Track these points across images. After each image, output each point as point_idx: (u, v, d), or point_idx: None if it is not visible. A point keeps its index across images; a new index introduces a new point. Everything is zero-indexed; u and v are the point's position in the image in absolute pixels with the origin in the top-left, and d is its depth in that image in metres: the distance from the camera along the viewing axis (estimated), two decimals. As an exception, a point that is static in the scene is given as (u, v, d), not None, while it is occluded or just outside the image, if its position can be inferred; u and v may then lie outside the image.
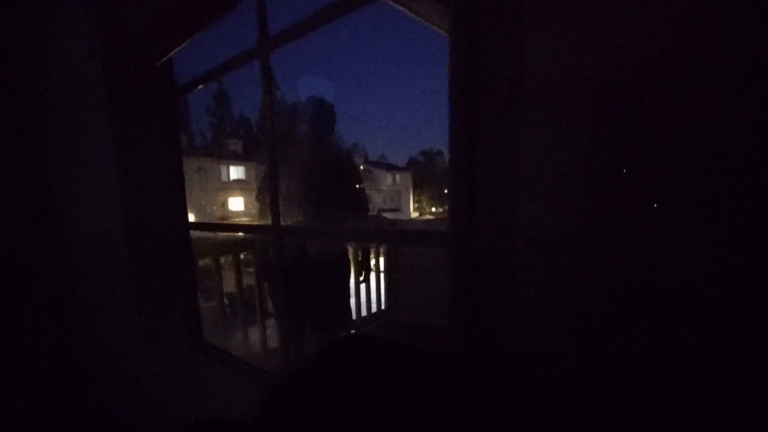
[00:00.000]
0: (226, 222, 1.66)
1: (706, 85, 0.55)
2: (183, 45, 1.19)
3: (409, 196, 19.27)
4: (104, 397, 1.81)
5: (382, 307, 2.77)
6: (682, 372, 0.61)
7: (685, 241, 0.58)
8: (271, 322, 2.32)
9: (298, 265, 1.71)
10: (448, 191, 0.79)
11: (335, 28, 0.95)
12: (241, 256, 2.65)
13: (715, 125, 0.55)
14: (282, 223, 1.13)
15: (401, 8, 1.12)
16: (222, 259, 2.54)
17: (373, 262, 2.61)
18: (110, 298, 1.61)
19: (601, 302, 0.68)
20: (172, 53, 1.25)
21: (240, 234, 1.95)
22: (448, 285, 0.77)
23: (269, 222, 1.13)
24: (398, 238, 1.19)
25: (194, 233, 1.50)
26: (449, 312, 0.77)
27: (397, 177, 19.29)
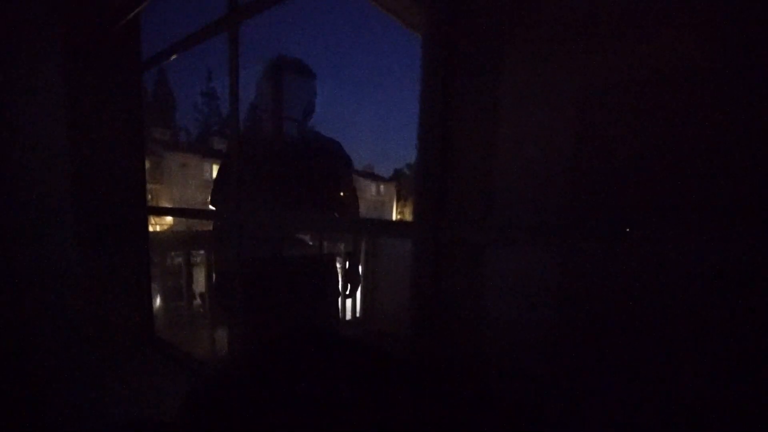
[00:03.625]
0: (187, 209, 1.50)
1: (683, 97, 0.54)
2: (144, 5, 1.11)
3: (392, 206, 19.29)
4: (39, 389, 1.66)
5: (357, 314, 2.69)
6: (659, 367, 0.58)
7: (658, 238, 0.56)
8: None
9: (265, 270, 1.35)
10: (415, 178, 0.73)
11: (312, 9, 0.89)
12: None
13: (689, 131, 0.55)
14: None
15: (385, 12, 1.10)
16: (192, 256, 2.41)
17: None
18: (50, 281, 1.47)
19: (576, 295, 0.65)
20: (134, 12, 1.16)
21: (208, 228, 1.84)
22: (411, 277, 0.70)
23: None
24: (364, 227, 1.15)
25: (164, 228, 1.40)
26: (412, 304, 0.71)
27: (382, 188, 19.33)
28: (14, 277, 1.59)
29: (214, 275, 1.94)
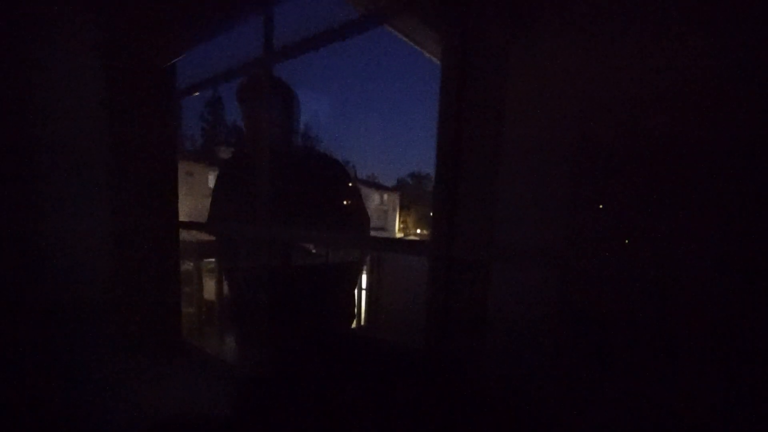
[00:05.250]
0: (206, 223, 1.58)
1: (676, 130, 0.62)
2: (189, 50, 1.25)
3: (395, 216, 19.35)
4: (76, 394, 1.76)
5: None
6: (655, 371, 0.66)
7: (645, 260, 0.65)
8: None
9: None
10: (432, 201, 0.85)
11: (338, 48, 1.02)
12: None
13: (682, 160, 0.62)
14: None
15: (401, 36, 1.20)
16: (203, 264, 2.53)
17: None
18: (87, 294, 1.59)
19: (574, 306, 0.74)
20: (177, 59, 1.31)
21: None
22: (426, 288, 0.82)
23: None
24: (382, 246, 1.24)
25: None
26: (427, 312, 0.82)
27: (385, 197, 19.40)
28: (46, 275, 1.70)
29: (228, 285, 1.96)
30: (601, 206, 0.72)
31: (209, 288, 2.60)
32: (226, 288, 1.92)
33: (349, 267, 1.61)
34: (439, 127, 0.83)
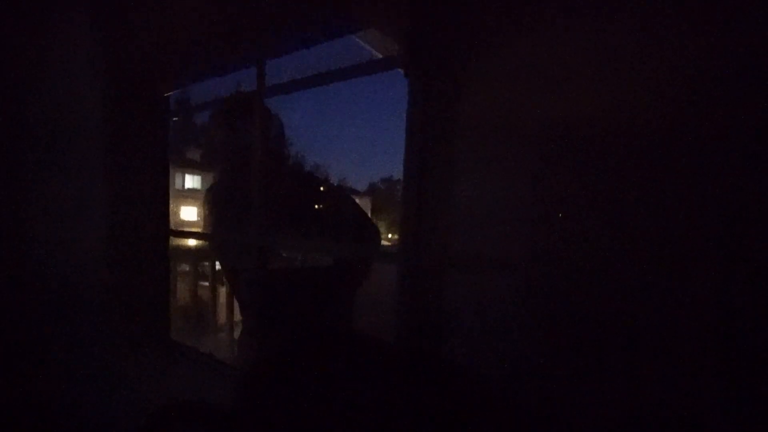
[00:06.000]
0: (193, 231, 1.68)
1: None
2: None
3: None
4: (71, 393, 1.83)
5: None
6: (618, 374, 0.72)
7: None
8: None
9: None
10: (401, 219, 1.03)
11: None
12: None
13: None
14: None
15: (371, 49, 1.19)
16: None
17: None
18: (81, 297, 1.68)
19: (524, 313, 0.86)
20: (176, 92, 1.45)
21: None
22: (398, 292, 0.99)
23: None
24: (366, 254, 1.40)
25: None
26: (399, 314, 1.00)
27: (357, 201, 19.45)
28: (45, 279, 1.77)
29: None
30: (560, 215, 0.80)
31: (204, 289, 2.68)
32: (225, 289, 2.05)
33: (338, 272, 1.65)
34: (406, 139, 0.97)
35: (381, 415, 0.86)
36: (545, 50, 0.78)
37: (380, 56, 1.12)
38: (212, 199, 1.61)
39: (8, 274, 1.84)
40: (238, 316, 2.35)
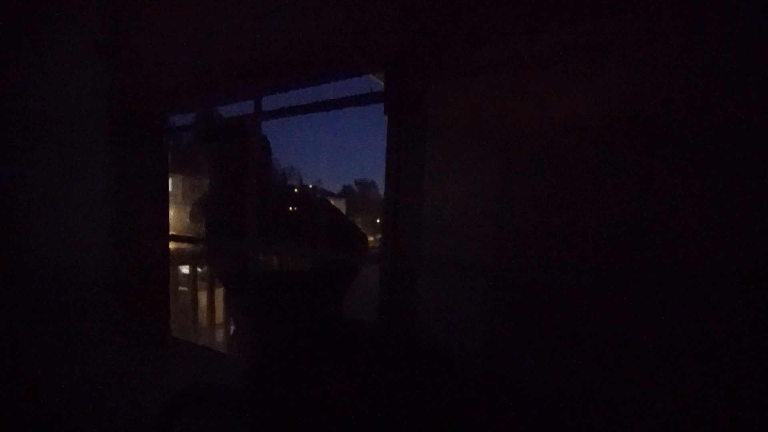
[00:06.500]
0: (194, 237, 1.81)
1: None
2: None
3: (342, 222, 19.33)
4: (73, 394, 1.91)
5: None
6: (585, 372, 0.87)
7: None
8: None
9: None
10: (381, 224, 1.24)
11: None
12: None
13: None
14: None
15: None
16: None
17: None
18: (83, 302, 1.80)
19: (487, 310, 1.11)
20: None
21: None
22: (379, 290, 1.20)
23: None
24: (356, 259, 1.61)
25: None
26: (380, 308, 1.20)
27: (332, 203, 19.39)
28: (50, 278, 1.86)
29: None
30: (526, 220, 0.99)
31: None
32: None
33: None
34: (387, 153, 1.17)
35: (372, 390, 1.05)
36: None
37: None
38: (201, 211, 1.80)
39: (11, 274, 1.92)
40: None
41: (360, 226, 1.72)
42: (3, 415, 1.86)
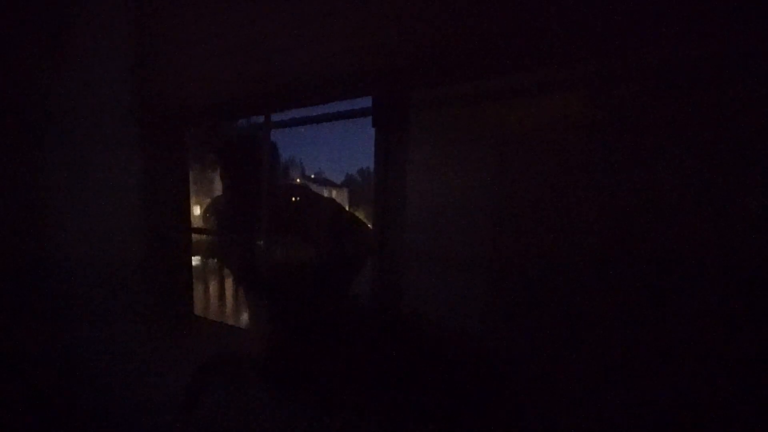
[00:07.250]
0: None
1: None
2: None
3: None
4: (99, 390, 2.17)
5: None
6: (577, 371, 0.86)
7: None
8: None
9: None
10: (373, 218, 1.49)
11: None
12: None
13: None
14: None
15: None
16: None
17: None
18: (109, 295, 2.05)
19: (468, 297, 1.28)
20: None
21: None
22: (374, 277, 1.43)
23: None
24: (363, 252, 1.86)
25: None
26: (374, 293, 1.43)
27: (334, 193, 19.41)
28: (85, 266, 2.11)
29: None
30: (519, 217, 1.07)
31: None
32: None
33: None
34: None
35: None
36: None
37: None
38: (217, 209, 2.02)
39: (52, 262, 2.18)
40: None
41: (362, 217, 1.85)
42: (38, 390, 2.10)
